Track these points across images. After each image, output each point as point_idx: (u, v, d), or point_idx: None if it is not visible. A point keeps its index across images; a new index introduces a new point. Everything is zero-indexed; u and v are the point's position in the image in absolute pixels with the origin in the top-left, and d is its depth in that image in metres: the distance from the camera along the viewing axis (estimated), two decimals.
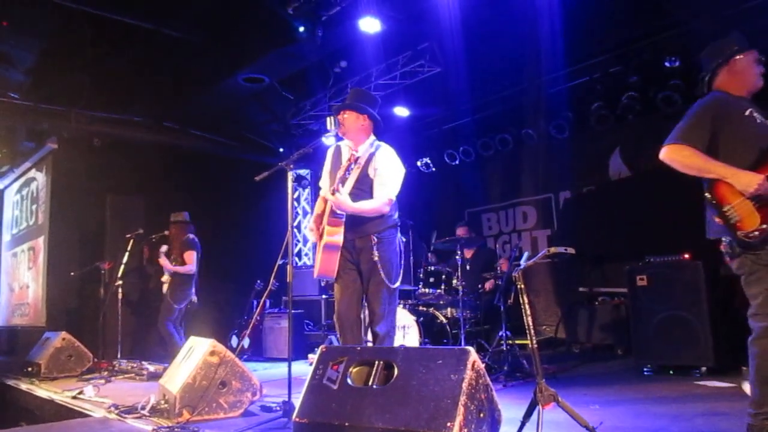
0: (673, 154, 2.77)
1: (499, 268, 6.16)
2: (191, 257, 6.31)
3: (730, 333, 4.85)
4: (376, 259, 3.57)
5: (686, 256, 5.00)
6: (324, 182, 3.92)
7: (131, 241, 6.77)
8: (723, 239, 2.76)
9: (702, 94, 2.99)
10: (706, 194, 2.73)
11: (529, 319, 2.95)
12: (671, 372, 4.94)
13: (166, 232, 6.75)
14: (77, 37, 6.54)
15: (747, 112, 2.78)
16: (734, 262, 2.75)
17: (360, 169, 3.66)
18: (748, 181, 2.59)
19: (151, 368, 5.74)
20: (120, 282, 6.69)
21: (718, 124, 2.75)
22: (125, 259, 6.72)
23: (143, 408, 3.84)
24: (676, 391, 4.28)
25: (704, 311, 4.77)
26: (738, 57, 2.98)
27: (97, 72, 7.06)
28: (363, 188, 3.64)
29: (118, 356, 6.48)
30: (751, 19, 5.45)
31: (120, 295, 6.67)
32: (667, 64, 6.06)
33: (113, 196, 8.03)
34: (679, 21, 5.84)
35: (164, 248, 6.39)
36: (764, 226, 2.57)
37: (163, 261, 6.31)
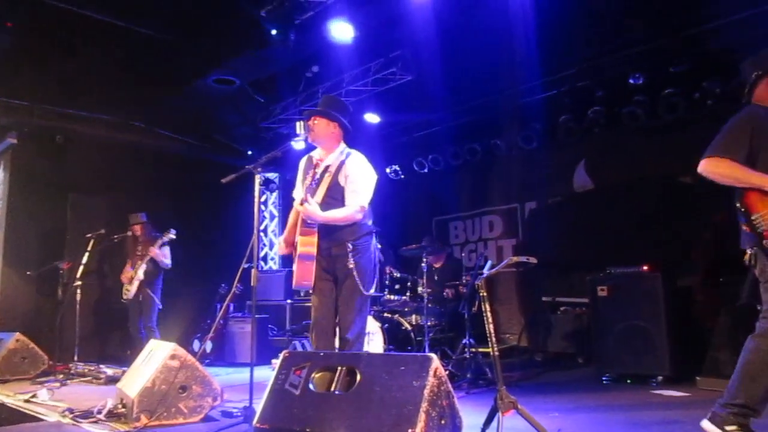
0: (711, 167, 2.83)
1: (464, 278, 6.23)
2: (167, 252, 6.59)
3: (686, 343, 5.01)
4: (351, 266, 3.56)
5: (645, 267, 5.13)
6: (297, 193, 3.89)
7: (92, 241, 6.64)
8: (748, 249, 2.82)
9: (746, 103, 3.02)
10: (737, 203, 2.79)
11: (491, 326, 2.99)
12: (629, 381, 5.05)
13: (129, 233, 6.68)
14: (44, 32, 6.39)
15: None
16: (756, 270, 2.82)
17: (331, 178, 3.65)
18: None
19: (109, 372, 5.62)
20: (79, 282, 6.53)
21: (756, 139, 2.81)
22: (85, 260, 6.56)
23: (99, 412, 3.75)
24: (634, 400, 4.38)
25: (662, 322, 4.90)
26: None
27: (63, 68, 6.89)
28: (335, 197, 3.63)
29: (75, 359, 6.33)
30: (713, 40, 5.65)
31: (79, 296, 6.51)
32: (631, 80, 6.22)
33: (75, 194, 7.84)
34: (643, 39, 6.01)
35: (169, 236, 6.49)
36: None
37: (155, 252, 6.45)
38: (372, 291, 3.68)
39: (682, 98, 5.98)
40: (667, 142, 6.30)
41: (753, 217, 2.73)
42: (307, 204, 3.46)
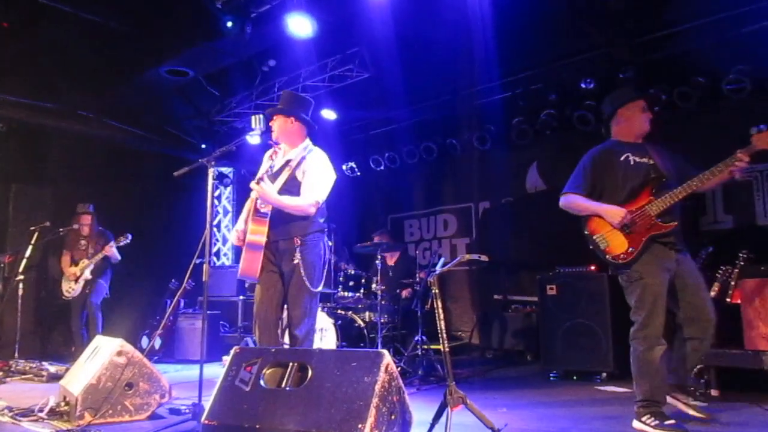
0: (564, 201, 3.44)
1: (417, 276, 6.28)
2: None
3: (628, 341, 5.18)
4: (297, 261, 3.55)
5: (592, 267, 5.29)
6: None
7: (36, 233, 6.40)
8: None
9: (607, 137, 3.53)
10: (584, 230, 3.36)
11: (442, 323, 3.04)
12: (575, 377, 5.21)
13: (75, 226, 6.46)
14: None
15: (622, 158, 3.31)
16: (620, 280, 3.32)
17: (290, 171, 3.65)
18: (613, 214, 3.22)
19: (52, 369, 5.43)
20: (21, 277, 6.28)
21: (599, 172, 3.35)
22: (28, 253, 6.32)
23: (41, 410, 3.63)
24: (579, 395, 4.52)
25: (606, 320, 5.07)
26: (621, 110, 3.42)
27: (5, 52, 6.60)
28: (291, 190, 3.62)
29: (16, 356, 6.09)
30: (662, 48, 5.86)
31: (21, 291, 6.27)
32: (582, 85, 6.40)
33: (18, 185, 7.51)
34: (596, 45, 6.18)
35: (125, 242, 6.36)
36: (631, 249, 3.15)
37: (111, 251, 6.35)
38: (320, 288, 3.68)
39: None
40: None
41: (594, 238, 3.30)
42: (263, 183, 3.43)
